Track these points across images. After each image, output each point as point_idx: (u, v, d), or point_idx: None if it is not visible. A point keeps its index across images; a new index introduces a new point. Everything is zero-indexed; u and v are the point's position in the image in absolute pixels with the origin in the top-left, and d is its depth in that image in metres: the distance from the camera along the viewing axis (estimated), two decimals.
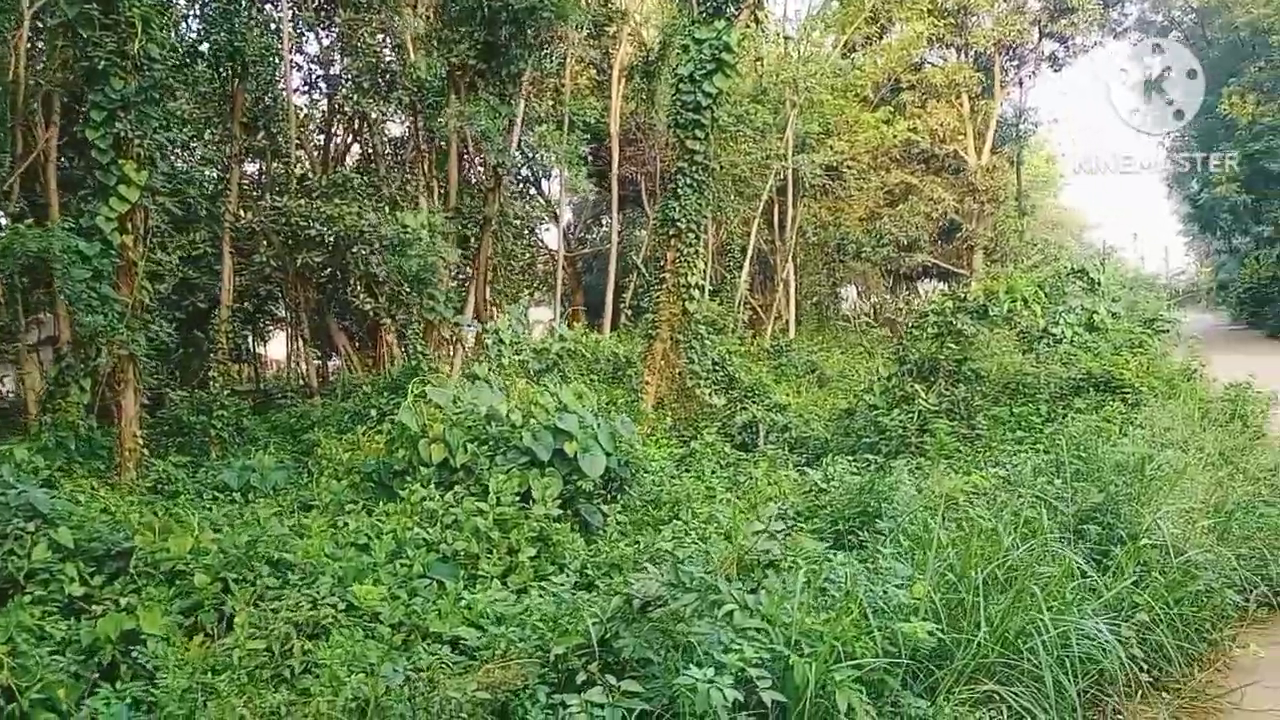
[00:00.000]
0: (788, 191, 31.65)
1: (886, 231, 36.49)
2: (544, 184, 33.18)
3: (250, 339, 26.68)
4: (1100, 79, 69.14)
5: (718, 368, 19.11)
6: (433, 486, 8.03)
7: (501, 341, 12.77)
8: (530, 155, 26.85)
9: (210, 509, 9.17)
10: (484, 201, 18.36)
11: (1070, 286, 17.27)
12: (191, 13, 15.14)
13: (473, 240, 18.23)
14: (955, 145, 36.91)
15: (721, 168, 28.14)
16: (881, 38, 32.25)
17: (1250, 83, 31.33)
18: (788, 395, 20.33)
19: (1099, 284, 16.95)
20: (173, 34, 15.08)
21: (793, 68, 29.92)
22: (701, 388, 17.54)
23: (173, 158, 17.34)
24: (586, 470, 8.35)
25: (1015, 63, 37.54)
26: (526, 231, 31.34)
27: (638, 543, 7.07)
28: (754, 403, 17.19)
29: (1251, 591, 5.62)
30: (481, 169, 19.68)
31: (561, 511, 7.67)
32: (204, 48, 15.27)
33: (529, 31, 15.50)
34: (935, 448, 10.72)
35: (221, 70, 16.18)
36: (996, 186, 37.33)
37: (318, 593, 5.76)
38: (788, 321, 32.78)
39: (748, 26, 17.74)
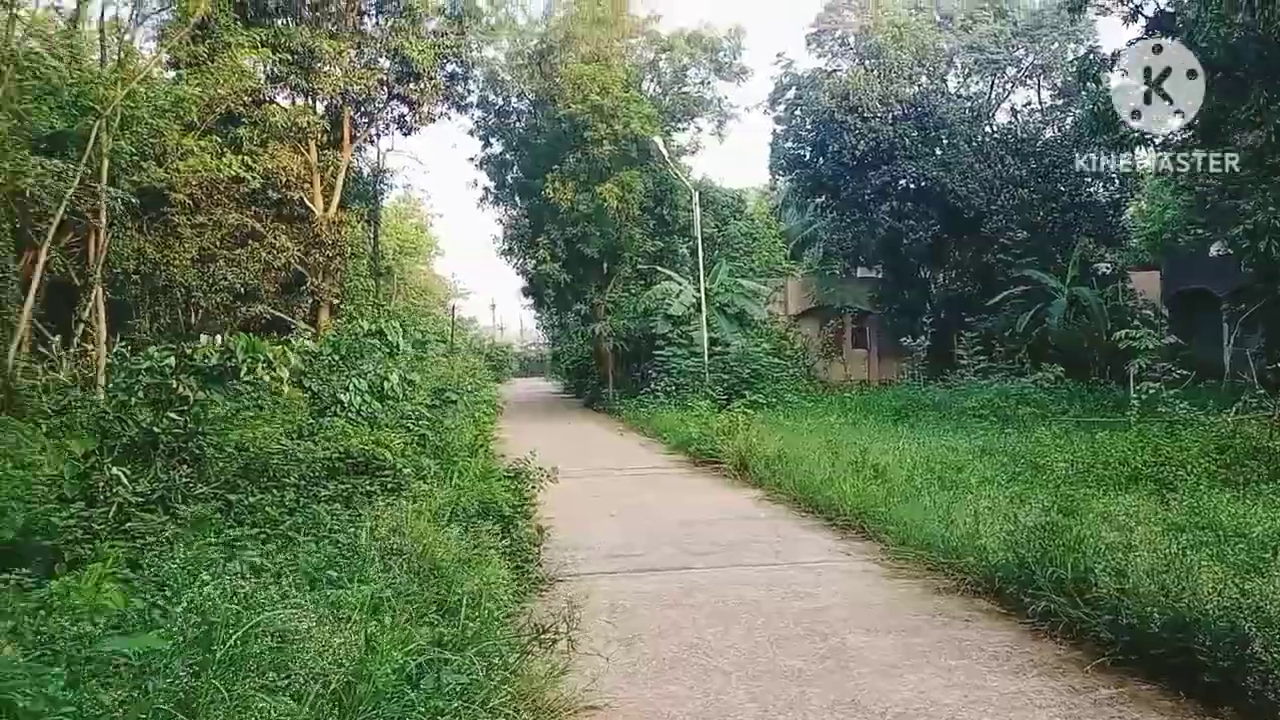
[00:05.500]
0: (102, 218, 26.22)
1: (221, 276, 32.68)
2: None
3: None
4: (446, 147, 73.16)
5: None
6: None
7: None
8: None
9: None
10: None
11: (369, 349, 15.59)
12: None
13: None
14: (301, 193, 34.50)
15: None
16: (212, 59, 28.53)
17: (569, 172, 34.05)
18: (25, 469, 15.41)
19: (398, 348, 15.52)
20: None
21: (103, 75, 24.82)
22: None
23: None
24: None
25: (366, 119, 36.60)
26: None
27: None
28: None
29: None
30: None
31: None
32: None
33: None
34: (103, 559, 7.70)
35: None
36: (344, 242, 35.78)
37: None
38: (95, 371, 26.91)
39: None
